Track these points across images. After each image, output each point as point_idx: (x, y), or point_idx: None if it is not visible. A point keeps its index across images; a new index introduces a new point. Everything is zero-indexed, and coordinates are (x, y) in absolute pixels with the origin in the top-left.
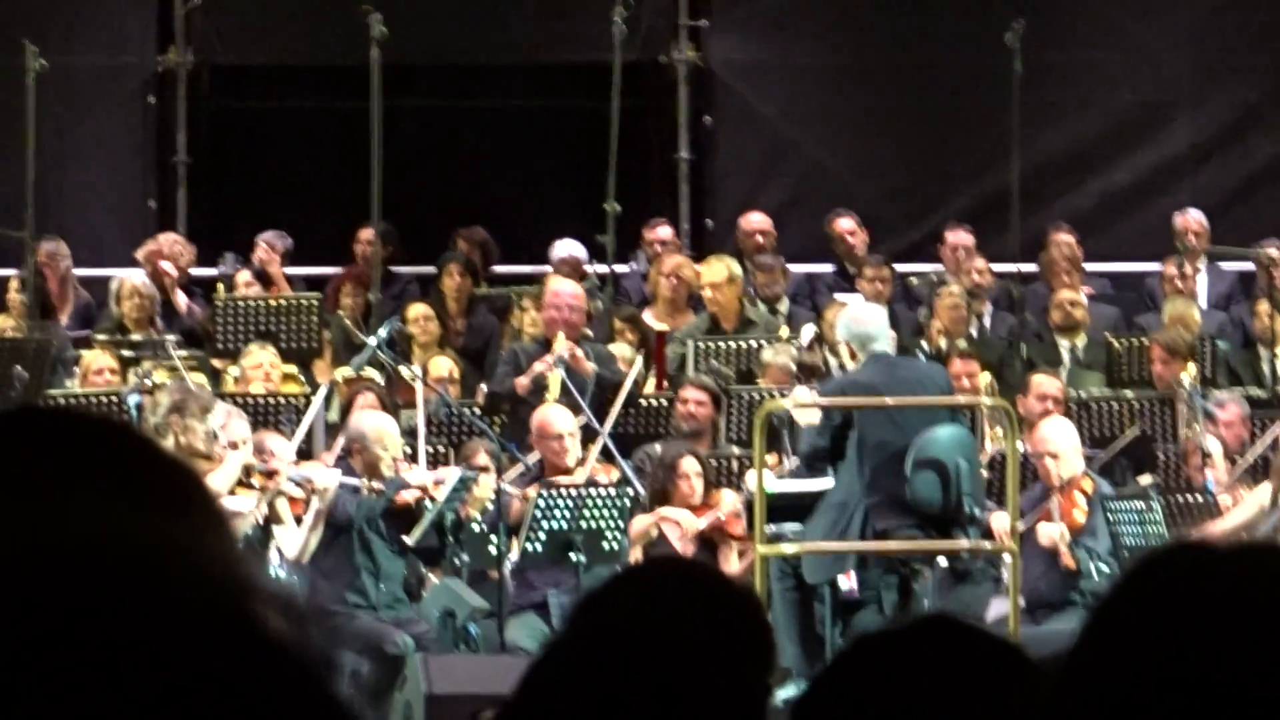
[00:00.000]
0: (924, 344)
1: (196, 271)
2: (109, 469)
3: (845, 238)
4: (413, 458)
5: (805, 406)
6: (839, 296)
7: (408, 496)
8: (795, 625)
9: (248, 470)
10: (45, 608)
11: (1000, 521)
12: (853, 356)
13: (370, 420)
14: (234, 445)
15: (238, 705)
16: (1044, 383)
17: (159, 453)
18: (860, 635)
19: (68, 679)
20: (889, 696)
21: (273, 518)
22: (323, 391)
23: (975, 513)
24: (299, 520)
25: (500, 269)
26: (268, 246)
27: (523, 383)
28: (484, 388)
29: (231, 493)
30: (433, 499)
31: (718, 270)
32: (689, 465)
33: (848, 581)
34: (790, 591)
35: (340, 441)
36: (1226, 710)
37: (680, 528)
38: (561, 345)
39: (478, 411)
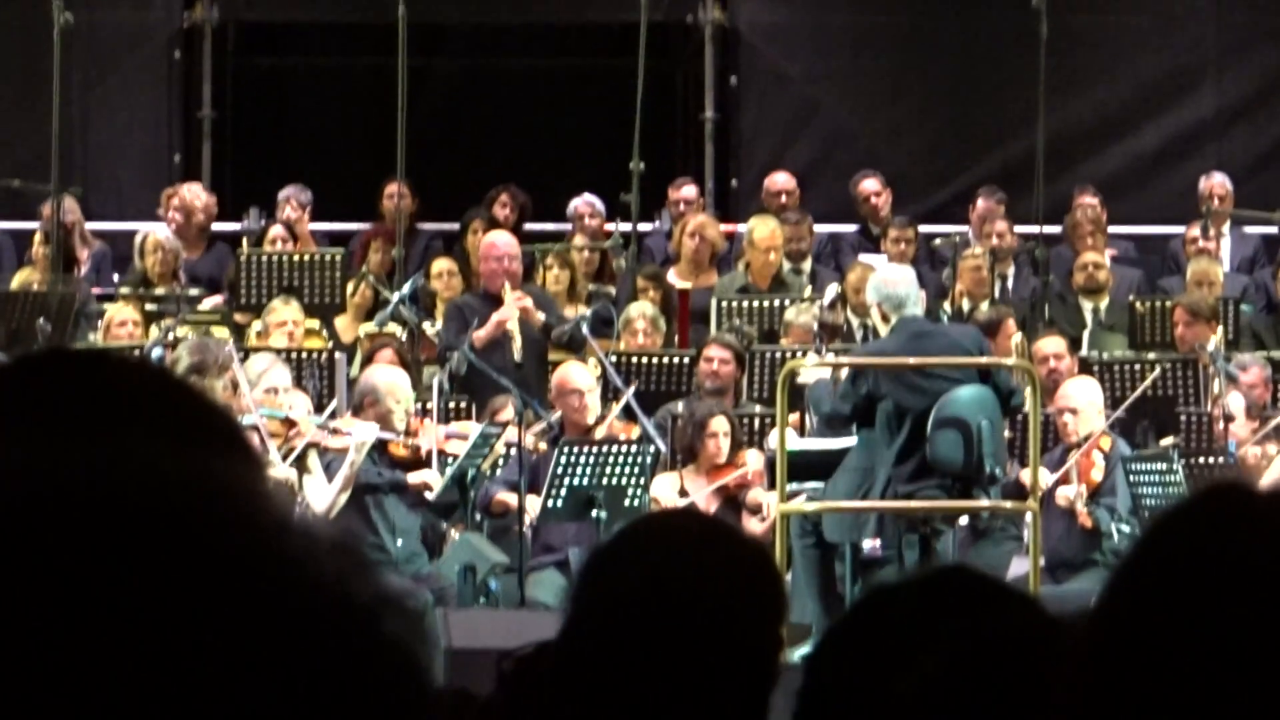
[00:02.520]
0: (947, 305)
1: (221, 226)
2: (144, 408)
3: (870, 198)
4: (427, 412)
5: (824, 365)
6: (863, 257)
7: (399, 439)
8: (816, 583)
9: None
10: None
11: (1027, 477)
12: (884, 319)
13: (382, 374)
14: (274, 391)
15: (293, 645)
16: (1046, 345)
17: (193, 392)
18: (873, 587)
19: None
20: (902, 647)
21: (301, 468)
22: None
23: (996, 472)
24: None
25: (526, 227)
26: (292, 201)
27: (481, 335)
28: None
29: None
30: (451, 455)
31: (770, 232)
32: (718, 424)
33: (871, 540)
34: (811, 549)
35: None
36: (1257, 663)
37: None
38: (511, 296)
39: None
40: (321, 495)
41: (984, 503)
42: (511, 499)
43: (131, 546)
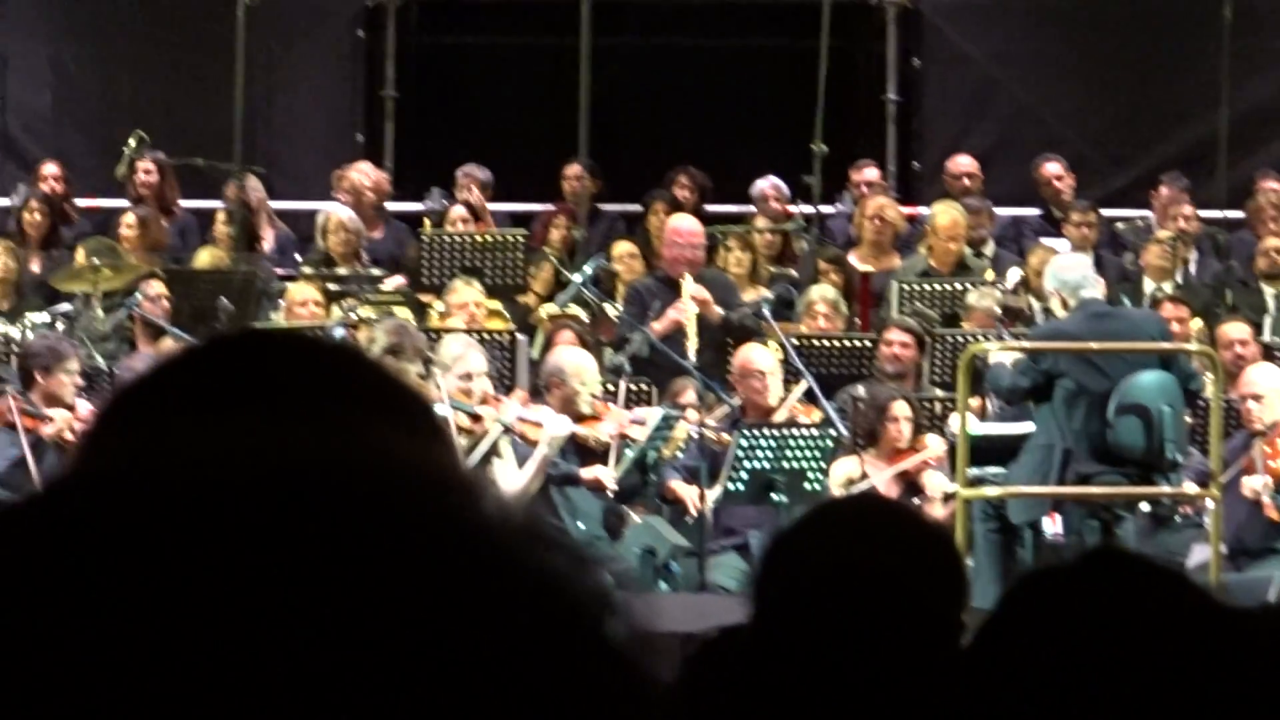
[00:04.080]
0: (1129, 290)
1: (402, 206)
2: (342, 388)
3: (1052, 182)
4: (613, 396)
5: (1007, 349)
6: (1044, 241)
7: (595, 435)
8: (997, 566)
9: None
10: (299, 524)
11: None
12: (1064, 306)
13: (569, 356)
14: (469, 376)
15: (512, 637)
16: (1231, 330)
17: (390, 374)
18: (1029, 571)
19: (326, 600)
20: (1060, 629)
21: (492, 451)
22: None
23: (1177, 459)
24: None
25: (707, 208)
26: (470, 179)
27: (658, 329)
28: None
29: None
30: (632, 439)
31: (951, 220)
32: (900, 409)
33: (1052, 525)
34: (993, 533)
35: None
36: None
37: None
38: (689, 289)
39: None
40: (513, 481)
41: (1165, 489)
42: (683, 489)
43: (365, 530)
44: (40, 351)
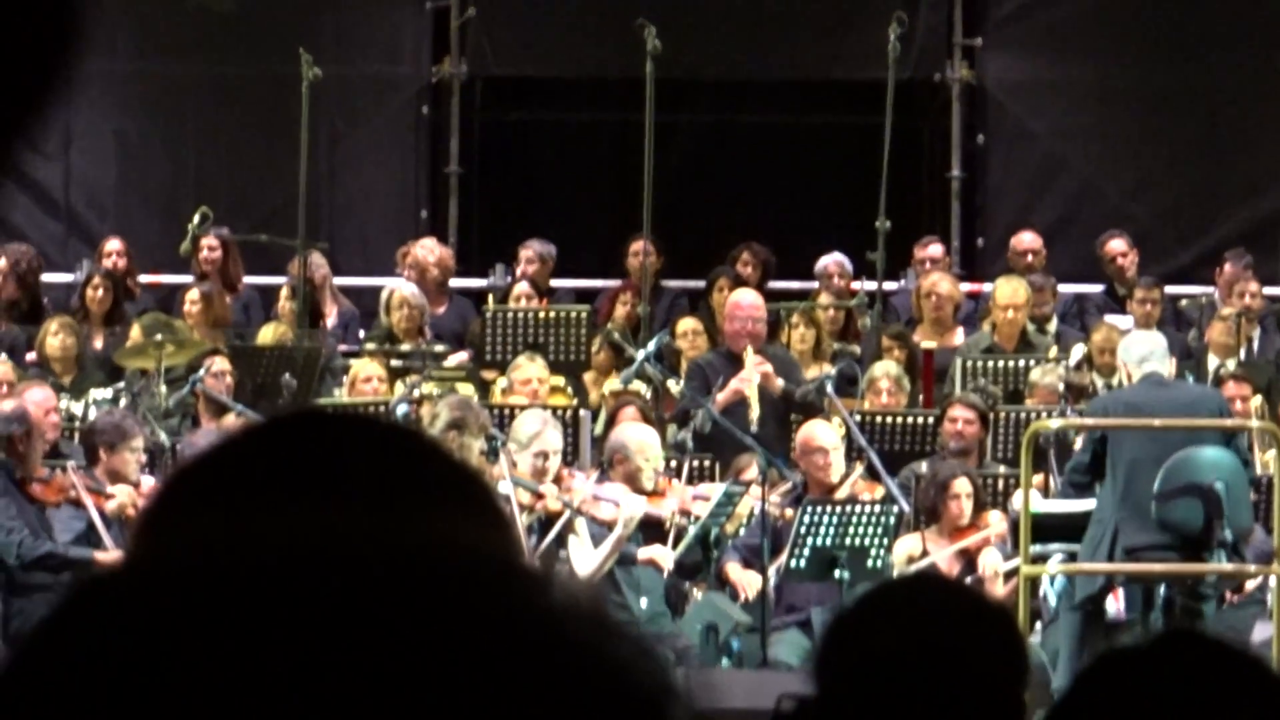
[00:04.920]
0: (1193, 367)
1: (466, 283)
2: (400, 469)
3: (1117, 259)
4: (677, 472)
5: (1069, 425)
6: (1108, 318)
7: (664, 513)
8: (1075, 645)
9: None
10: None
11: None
12: (1129, 378)
13: (633, 432)
14: (544, 455)
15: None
16: None
17: (446, 456)
18: (1104, 652)
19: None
20: (1133, 713)
21: (567, 530)
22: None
23: (1227, 536)
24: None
25: (771, 284)
26: (535, 256)
27: (720, 400)
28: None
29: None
30: (695, 515)
31: (1013, 292)
32: (961, 485)
33: (1115, 603)
34: (1070, 612)
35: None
36: None
37: (944, 546)
38: (751, 361)
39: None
40: (587, 561)
41: (1227, 566)
42: (740, 575)
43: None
44: (106, 428)
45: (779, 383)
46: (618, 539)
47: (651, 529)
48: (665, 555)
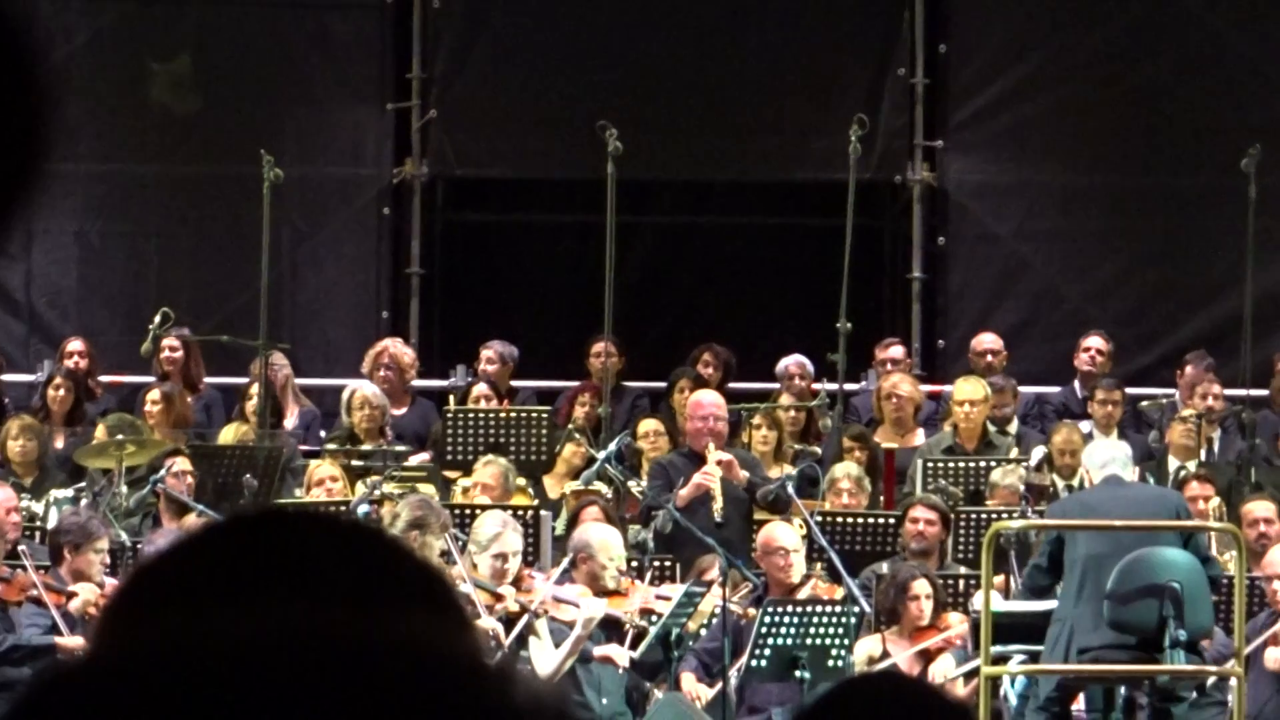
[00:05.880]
0: (1153, 468)
1: (427, 383)
2: (361, 568)
3: (1094, 355)
4: (639, 572)
5: (1030, 526)
6: (1068, 420)
7: (623, 614)
8: None
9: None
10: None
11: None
12: (1090, 483)
13: (596, 532)
14: (504, 557)
15: None
16: (1256, 508)
17: (410, 553)
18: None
19: None
20: None
21: (528, 631)
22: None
23: (1180, 636)
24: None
25: (732, 385)
26: (496, 356)
27: (684, 495)
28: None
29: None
30: (656, 614)
31: (972, 389)
32: (920, 586)
33: (1076, 704)
34: (1035, 713)
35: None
36: None
37: (903, 648)
38: (714, 456)
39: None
40: (548, 661)
41: (1188, 666)
42: (693, 686)
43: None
44: (70, 529)
45: (743, 474)
46: (577, 639)
47: (613, 628)
48: (621, 653)
